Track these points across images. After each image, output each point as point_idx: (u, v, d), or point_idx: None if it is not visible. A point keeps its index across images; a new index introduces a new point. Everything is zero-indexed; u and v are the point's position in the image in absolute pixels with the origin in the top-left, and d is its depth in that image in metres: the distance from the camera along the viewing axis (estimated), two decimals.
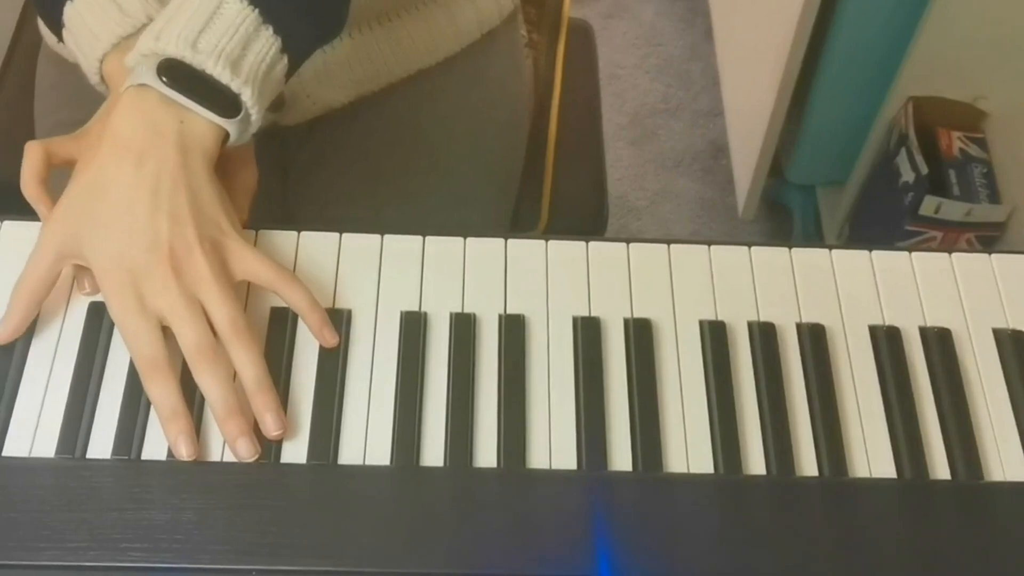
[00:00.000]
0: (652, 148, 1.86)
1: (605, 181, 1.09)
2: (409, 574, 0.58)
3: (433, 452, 0.62)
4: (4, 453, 0.61)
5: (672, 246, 0.70)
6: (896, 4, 1.37)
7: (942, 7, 1.28)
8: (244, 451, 0.60)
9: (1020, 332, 0.68)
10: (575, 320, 0.67)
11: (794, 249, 0.71)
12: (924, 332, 0.68)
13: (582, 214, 1.05)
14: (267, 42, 0.65)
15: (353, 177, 0.90)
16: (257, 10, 0.64)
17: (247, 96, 0.64)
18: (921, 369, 0.67)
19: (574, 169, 1.06)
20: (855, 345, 0.67)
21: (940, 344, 0.67)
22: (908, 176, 1.40)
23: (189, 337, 0.60)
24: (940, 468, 0.63)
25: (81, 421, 0.62)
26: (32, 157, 0.65)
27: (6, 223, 0.69)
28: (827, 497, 0.62)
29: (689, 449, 0.63)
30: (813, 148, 1.60)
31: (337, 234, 0.70)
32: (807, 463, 0.63)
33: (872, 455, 0.63)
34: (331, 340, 0.65)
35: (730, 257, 0.70)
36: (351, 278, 0.68)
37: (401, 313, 0.67)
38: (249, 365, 0.61)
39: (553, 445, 0.62)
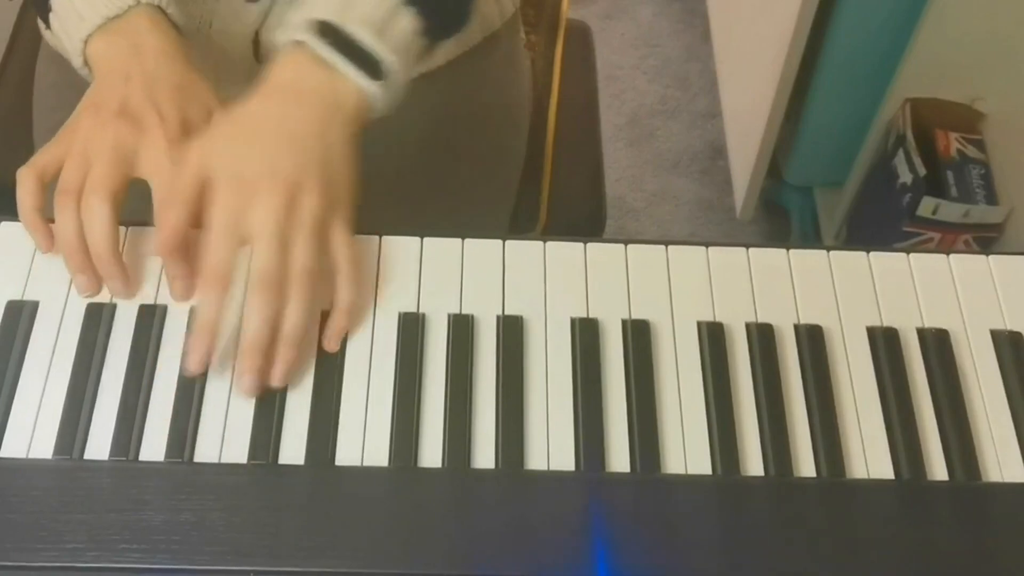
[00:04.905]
0: (650, 149, 1.86)
1: (603, 182, 1.09)
2: (407, 575, 0.58)
3: (431, 453, 0.62)
4: (2, 454, 0.61)
5: (670, 247, 0.70)
6: (894, 5, 1.37)
7: (939, 8, 1.28)
8: (248, 385, 0.62)
9: (1017, 333, 0.68)
10: (573, 321, 0.67)
11: (792, 250, 0.71)
12: (922, 333, 0.68)
13: (580, 215, 1.05)
14: (409, 20, 0.68)
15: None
16: None
17: (394, 63, 0.67)
18: (919, 370, 0.67)
19: (572, 170, 1.06)
20: (853, 346, 0.67)
21: (938, 345, 0.67)
22: (906, 177, 1.40)
23: (264, 262, 0.62)
24: (938, 469, 0.63)
25: (79, 422, 0.62)
26: (26, 186, 0.66)
27: (4, 223, 0.69)
28: (825, 498, 0.62)
29: (687, 450, 0.63)
30: (811, 149, 1.61)
31: None
32: (805, 464, 0.63)
33: (870, 456, 0.63)
34: (333, 347, 0.65)
35: (728, 258, 0.70)
36: None
37: (399, 314, 0.67)
38: (298, 314, 0.62)
39: (551, 446, 0.62)
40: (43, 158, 0.67)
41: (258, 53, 0.84)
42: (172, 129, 0.67)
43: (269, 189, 0.62)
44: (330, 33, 0.66)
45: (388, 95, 0.68)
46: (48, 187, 0.67)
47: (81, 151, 0.66)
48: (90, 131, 0.67)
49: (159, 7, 0.71)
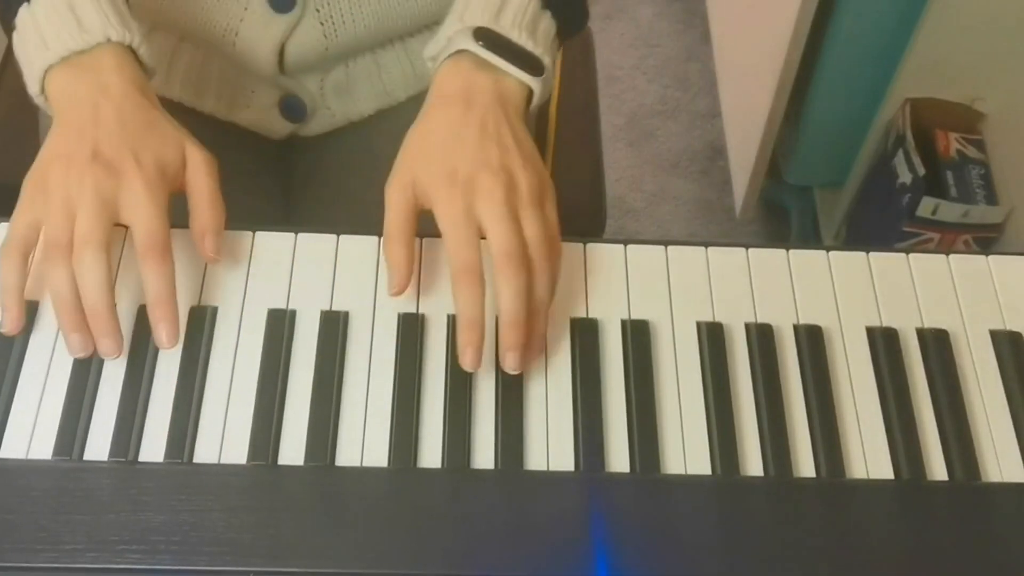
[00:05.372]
0: (650, 149, 1.86)
1: (603, 182, 1.09)
2: (407, 575, 0.58)
3: (431, 453, 0.62)
4: (1, 455, 0.61)
5: (670, 247, 0.70)
6: (894, 5, 1.37)
7: (940, 8, 1.28)
8: (514, 362, 0.63)
9: (1017, 334, 0.68)
10: (573, 321, 0.67)
11: (791, 250, 0.71)
12: (921, 333, 0.68)
13: (580, 215, 1.05)
14: (549, 23, 0.73)
15: (356, 181, 0.91)
16: None
17: (546, 58, 0.71)
18: (918, 370, 0.67)
19: (572, 170, 1.06)
20: (852, 346, 0.67)
21: (937, 345, 0.67)
22: (905, 177, 1.40)
23: (504, 240, 0.63)
24: (937, 469, 0.63)
25: (78, 423, 0.62)
26: (10, 265, 0.63)
27: (4, 224, 0.69)
28: (824, 498, 0.62)
29: (687, 450, 0.63)
30: (811, 149, 1.60)
31: (334, 236, 0.70)
32: (804, 464, 0.63)
33: (869, 456, 0.63)
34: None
35: (727, 258, 0.70)
36: (348, 280, 0.68)
37: (399, 315, 0.67)
38: (546, 281, 0.64)
39: (551, 446, 0.62)
40: (20, 228, 0.64)
41: (283, 64, 0.84)
42: (149, 172, 0.64)
43: (487, 179, 0.65)
44: (490, 39, 0.69)
45: (545, 88, 0.72)
46: (31, 256, 0.64)
47: (62, 204, 0.63)
48: (66, 181, 0.63)
49: (129, 46, 0.68)
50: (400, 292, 0.65)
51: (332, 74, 0.88)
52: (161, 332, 0.63)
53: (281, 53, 0.83)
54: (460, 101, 0.68)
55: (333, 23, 0.82)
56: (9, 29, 0.71)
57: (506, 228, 0.64)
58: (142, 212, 0.63)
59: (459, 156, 0.66)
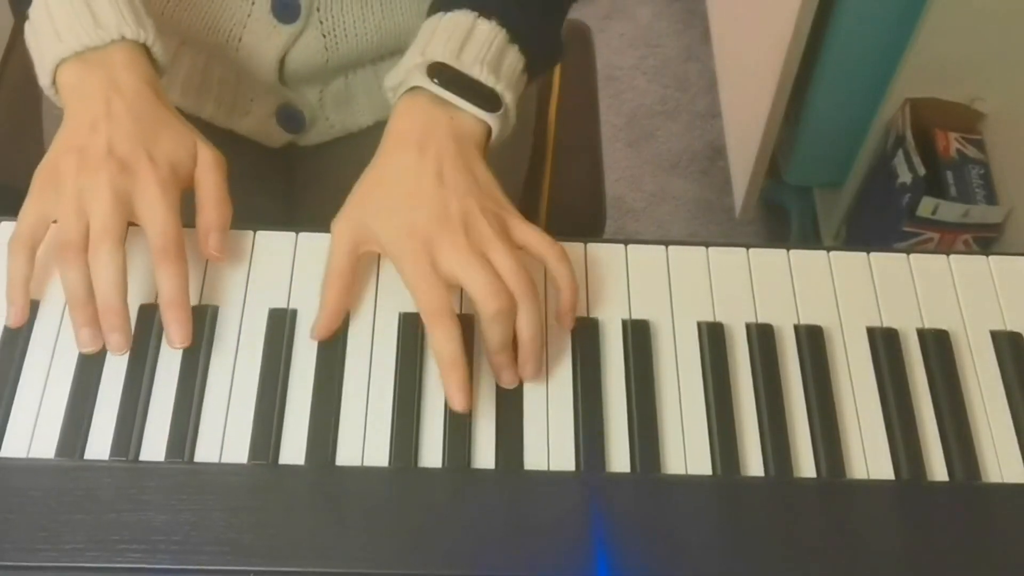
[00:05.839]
0: (650, 149, 1.86)
1: (603, 182, 1.09)
2: (407, 575, 0.58)
3: (431, 453, 0.62)
4: (2, 454, 0.61)
5: (670, 247, 0.70)
6: (894, 5, 1.37)
7: (940, 8, 1.28)
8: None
9: (1017, 334, 0.68)
10: None
11: (792, 251, 0.71)
12: (922, 334, 0.68)
13: (580, 215, 1.05)
14: (516, 57, 0.70)
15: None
16: (505, 30, 0.69)
17: (508, 96, 0.69)
18: (919, 371, 0.67)
19: (572, 170, 1.06)
20: (853, 347, 0.67)
21: (937, 346, 0.67)
22: (905, 177, 1.40)
23: (486, 293, 0.62)
24: (938, 470, 0.63)
25: (79, 422, 0.62)
26: (18, 260, 0.64)
27: (3, 223, 0.69)
28: (825, 498, 0.62)
29: (687, 450, 0.63)
30: (810, 149, 1.61)
31: None
32: (805, 464, 0.63)
33: (870, 456, 0.63)
34: (569, 324, 0.66)
35: (728, 258, 0.70)
36: None
37: (399, 315, 0.67)
38: (529, 317, 0.63)
39: (551, 446, 0.62)
40: (30, 222, 0.64)
41: (283, 75, 0.84)
42: (163, 172, 0.64)
43: (446, 229, 0.63)
44: (448, 75, 0.68)
45: (505, 126, 0.70)
46: (37, 249, 0.64)
47: (75, 201, 0.63)
48: (80, 177, 0.63)
49: (143, 44, 0.68)
50: (324, 338, 0.65)
51: (332, 85, 0.88)
52: (173, 332, 0.63)
53: (282, 63, 0.83)
54: (414, 145, 0.67)
55: (335, 36, 0.82)
56: (22, 19, 0.70)
57: (479, 274, 0.62)
58: (157, 213, 0.64)
59: (417, 210, 0.64)
